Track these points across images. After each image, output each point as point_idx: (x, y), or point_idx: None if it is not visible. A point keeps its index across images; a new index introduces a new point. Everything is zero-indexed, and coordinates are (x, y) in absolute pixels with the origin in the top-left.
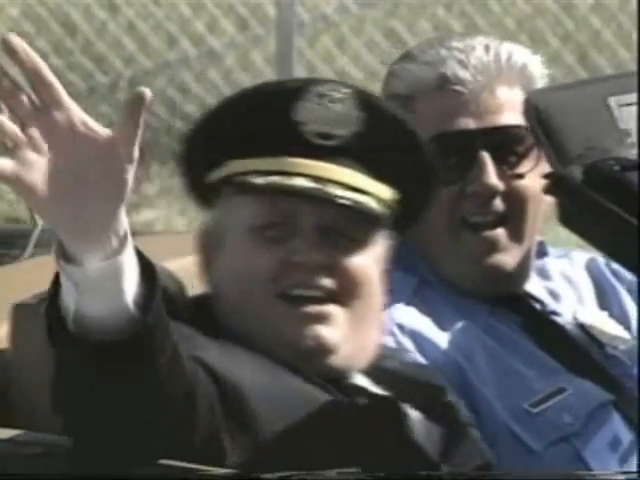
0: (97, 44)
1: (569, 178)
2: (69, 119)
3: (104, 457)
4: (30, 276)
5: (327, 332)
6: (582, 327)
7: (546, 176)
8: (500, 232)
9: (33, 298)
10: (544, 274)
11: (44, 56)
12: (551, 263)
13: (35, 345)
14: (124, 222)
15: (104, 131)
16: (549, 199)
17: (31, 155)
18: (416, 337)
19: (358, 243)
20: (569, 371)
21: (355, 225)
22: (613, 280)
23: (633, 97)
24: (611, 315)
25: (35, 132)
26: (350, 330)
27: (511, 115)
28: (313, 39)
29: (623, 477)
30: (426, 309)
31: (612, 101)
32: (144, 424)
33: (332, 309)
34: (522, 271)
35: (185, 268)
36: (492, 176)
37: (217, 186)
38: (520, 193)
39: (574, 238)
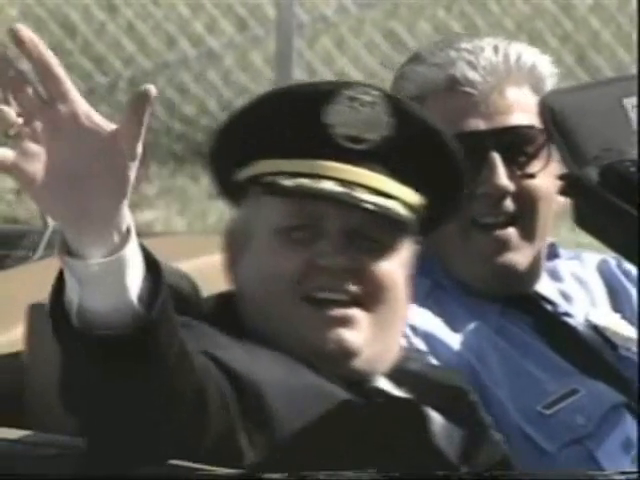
0: (96, 45)
1: (585, 179)
2: (74, 112)
3: (115, 456)
4: (42, 277)
5: (350, 335)
6: (594, 328)
7: (562, 177)
8: (511, 232)
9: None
10: (555, 275)
11: None
12: (562, 265)
13: (50, 346)
14: (127, 217)
15: (109, 126)
16: (560, 199)
17: (33, 146)
18: (429, 338)
19: (384, 247)
20: (582, 373)
21: (382, 229)
22: (625, 281)
23: None
24: (624, 316)
25: (39, 124)
26: (373, 334)
27: (521, 115)
28: (312, 40)
29: (623, 477)
30: (438, 310)
31: (627, 102)
32: (153, 422)
33: (356, 312)
34: (533, 271)
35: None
36: (502, 177)
37: (245, 185)
38: (531, 193)
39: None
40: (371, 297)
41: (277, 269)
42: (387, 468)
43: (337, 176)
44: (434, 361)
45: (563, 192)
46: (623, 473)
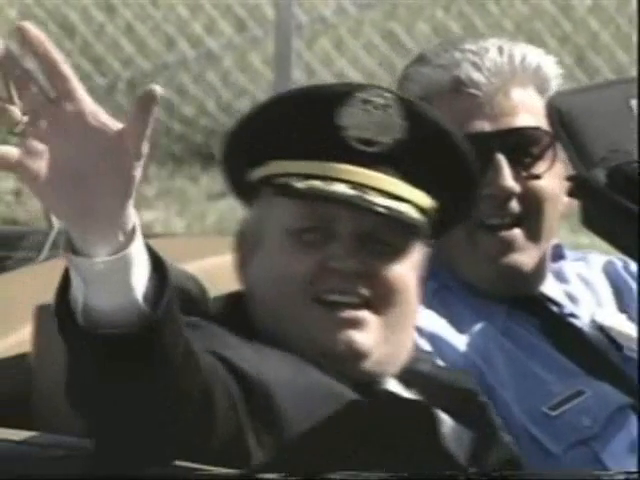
0: (95, 46)
1: (593, 181)
2: (80, 110)
3: (121, 457)
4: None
5: (360, 337)
6: (600, 329)
7: (569, 179)
8: (517, 233)
9: None
10: (561, 277)
11: None
12: (568, 266)
13: (58, 347)
14: (133, 216)
15: (115, 125)
16: (565, 200)
17: (38, 144)
18: (434, 339)
19: (396, 251)
20: (587, 374)
21: (393, 233)
22: (631, 282)
23: None
24: (629, 317)
25: (45, 122)
26: (384, 336)
27: (526, 116)
28: (311, 41)
29: (623, 477)
30: (444, 312)
31: (634, 104)
32: (159, 422)
33: (366, 314)
34: (539, 272)
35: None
36: (508, 178)
37: (257, 185)
38: (536, 194)
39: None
40: (382, 300)
41: (288, 270)
42: (396, 470)
43: (349, 179)
44: (440, 362)
45: (570, 193)
46: (624, 473)
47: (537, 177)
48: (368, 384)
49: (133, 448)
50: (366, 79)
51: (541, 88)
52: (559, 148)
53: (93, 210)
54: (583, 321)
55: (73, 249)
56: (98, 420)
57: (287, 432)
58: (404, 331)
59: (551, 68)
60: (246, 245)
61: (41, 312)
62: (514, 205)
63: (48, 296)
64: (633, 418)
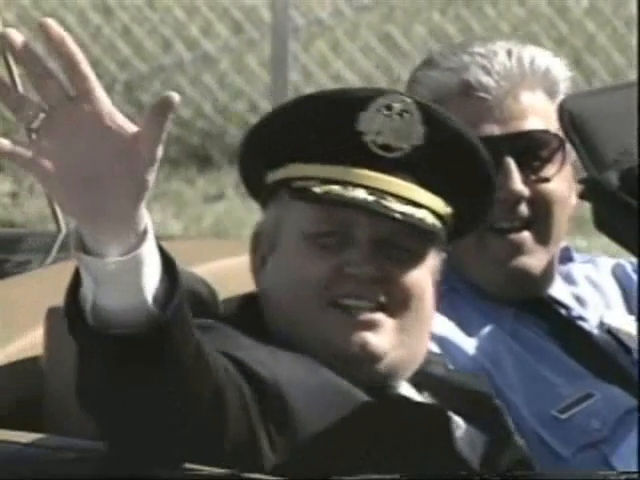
0: (92, 48)
1: (605, 183)
2: (98, 111)
3: (133, 458)
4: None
5: (375, 339)
6: (609, 332)
7: (581, 181)
8: (526, 235)
9: None
10: (570, 279)
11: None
12: (576, 268)
13: (69, 349)
14: (145, 217)
15: (130, 127)
16: (574, 202)
17: (53, 143)
18: (443, 343)
19: (412, 256)
20: (596, 377)
21: (411, 239)
22: None
23: None
24: (638, 319)
25: (61, 120)
26: (399, 339)
27: (535, 120)
28: (308, 43)
29: (623, 477)
30: (453, 314)
31: None
32: (170, 423)
33: (382, 317)
34: (547, 274)
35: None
36: (517, 182)
37: (275, 187)
38: (545, 197)
39: None
40: (398, 305)
41: (304, 274)
42: (409, 473)
43: (368, 184)
44: (448, 365)
45: (582, 196)
46: (623, 473)
47: (546, 180)
48: (382, 387)
49: (144, 449)
50: (363, 81)
51: (550, 91)
52: (568, 151)
53: (105, 210)
54: (592, 324)
55: (84, 249)
56: (109, 421)
57: (300, 434)
58: (419, 335)
59: (560, 70)
60: (262, 247)
61: (52, 314)
62: (523, 208)
63: (56, 299)
64: None
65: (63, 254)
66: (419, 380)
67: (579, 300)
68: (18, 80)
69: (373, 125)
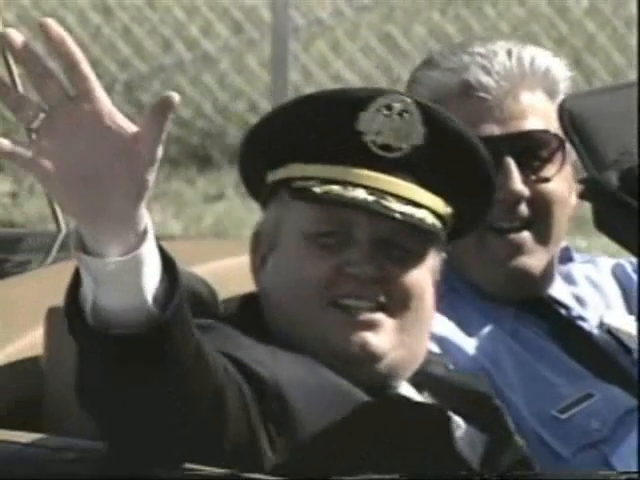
0: (92, 48)
1: (605, 183)
2: (98, 110)
3: (133, 459)
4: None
5: (375, 339)
6: (609, 332)
7: (581, 181)
8: (525, 235)
9: None
10: (570, 279)
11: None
12: (576, 268)
13: (69, 348)
14: (145, 217)
15: (130, 127)
16: (574, 202)
17: (53, 142)
18: (443, 342)
19: (412, 256)
20: (596, 377)
21: (411, 239)
22: None
23: None
24: (638, 319)
25: (61, 119)
26: (399, 339)
27: (535, 120)
28: (308, 43)
29: (623, 477)
30: (452, 314)
31: None
32: (169, 423)
33: (382, 317)
34: (547, 274)
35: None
36: (517, 182)
37: (275, 187)
38: (545, 197)
39: None
40: (398, 305)
41: (304, 274)
42: (409, 473)
43: (369, 184)
44: (448, 365)
45: (582, 196)
46: (623, 473)
47: (546, 180)
48: (382, 387)
49: (144, 449)
50: (363, 81)
51: (550, 91)
52: (568, 151)
53: (105, 210)
54: (591, 324)
55: (84, 248)
56: (108, 421)
57: (300, 434)
58: (419, 335)
59: (560, 70)
60: (262, 247)
61: (52, 314)
62: (523, 208)
63: (56, 299)
64: None
65: (63, 254)
66: (419, 380)
67: (579, 300)
68: (18, 80)
69: (373, 125)
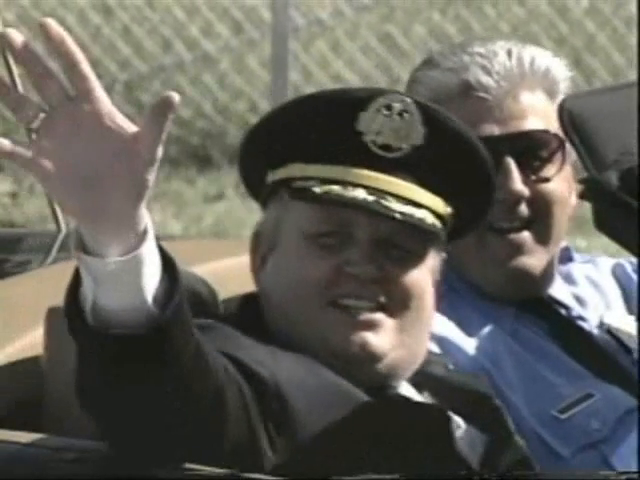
0: (92, 48)
1: (605, 183)
2: (98, 110)
3: (133, 459)
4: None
5: (375, 339)
6: (609, 332)
7: (581, 181)
8: (526, 235)
9: None
10: (570, 279)
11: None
12: (576, 268)
13: (69, 348)
14: (145, 217)
15: (130, 127)
16: (574, 202)
17: (53, 142)
18: (443, 343)
19: (412, 256)
20: (596, 377)
21: (411, 239)
22: None
23: None
24: (639, 319)
25: (61, 119)
26: (399, 339)
27: (535, 120)
28: (308, 43)
29: (623, 477)
30: (452, 314)
31: None
32: (169, 423)
33: (382, 317)
34: (547, 274)
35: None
36: (517, 182)
37: (275, 187)
38: (545, 197)
39: None
40: (398, 305)
41: (304, 274)
42: (408, 473)
43: (369, 184)
44: (448, 365)
45: (582, 196)
46: (623, 473)
47: (546, 180)
48: (382, 387)
49: (144, 449)
50: (363, 81)
51: (550, 91)
52: (568, 151)
53: (105, 210)
54: (591, 324)
55: (84, 248)
56: (108, 421)
57: (300, 434)
58: (419, 335)
59: (560, 70)
60: (262, 247)
61: (52, 314)
62: (523, 208)
63: (56, 299)
64: None
65: (63, 254)
66: (419, 380)
67: (579, 300)
68: (18, 80)
69: (373, 125)
